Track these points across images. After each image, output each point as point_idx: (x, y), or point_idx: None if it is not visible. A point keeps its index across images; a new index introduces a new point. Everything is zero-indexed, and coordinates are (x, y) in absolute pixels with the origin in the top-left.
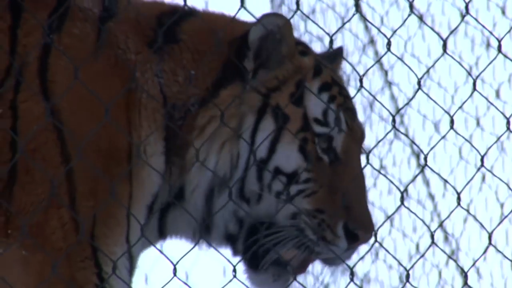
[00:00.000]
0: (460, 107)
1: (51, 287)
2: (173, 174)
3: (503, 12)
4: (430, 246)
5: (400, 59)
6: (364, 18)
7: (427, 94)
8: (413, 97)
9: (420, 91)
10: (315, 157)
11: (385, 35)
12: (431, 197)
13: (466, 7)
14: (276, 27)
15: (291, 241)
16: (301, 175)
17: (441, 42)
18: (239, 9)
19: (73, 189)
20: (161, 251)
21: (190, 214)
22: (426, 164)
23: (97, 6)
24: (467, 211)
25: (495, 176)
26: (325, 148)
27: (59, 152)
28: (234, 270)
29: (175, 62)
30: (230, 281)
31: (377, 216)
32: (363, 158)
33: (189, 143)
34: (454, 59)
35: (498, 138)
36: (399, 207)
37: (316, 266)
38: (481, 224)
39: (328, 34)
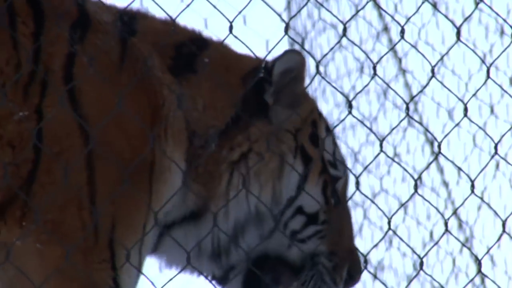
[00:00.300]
0: (474, 95)
1: (68, 283)
2: (188, 197)
3: None
4: (444, 233)
5: (414, 46)
6: (378, 6)
7: (441, 82)
8: (427, 84)
9: (434, 78)
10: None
11: (398, 23)
12: (445, 184)
13: None
14: (296, 64)
15: (310, 284)
16: (320, 216)
17: (455, 30)
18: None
19: (94, 194)
20: (175, 239)
21: (224, 232)
22: (440, 152)
23: (116, 21)
24: (481, 198)
25: (509, 163)
26: (332, 190)
27: (84, 157)
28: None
29: (194, 90)
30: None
31: (391, 204)
32: (377, 147)
33: (216, 174)
34: (468, 46)
35: None
36: (412, 194)
37: None
38: (495, 211)
39: (341, 21)
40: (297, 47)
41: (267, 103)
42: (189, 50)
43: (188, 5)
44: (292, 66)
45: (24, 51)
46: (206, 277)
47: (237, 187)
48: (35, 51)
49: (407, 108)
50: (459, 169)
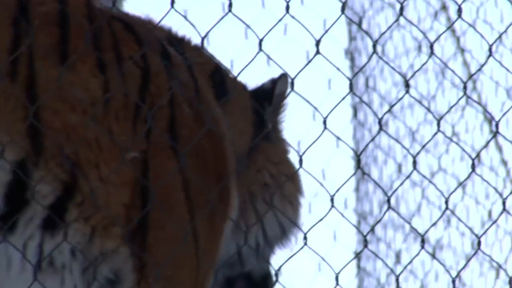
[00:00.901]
0: None
1: None
2: None
3: None
4: (502, 212)
5: (472, 25)
6: None
7: (498, 61)
8: (485, 63)
9: (492, 57)
10: None
11: (456, 2)
12: (504, 163)
13: None
14: (287, 89)
15: None
16: None
17: None
18: None
19: (198, 247)
20: None
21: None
22: (497, 131)
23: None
24: None
25: None
26: None
27: (187, 210)
28: None
29: (232, 117)
30: None
31: (449, 183)
32: (435, 126)
33: (247, 195)
34: None
35: None
36: (470, 173)
37: (389, 233)
38: None
39: (399, 1)
40: (354, 26)
41: (267, 123)
42: (218, 78)
43: None
44: (285, 90)
45: (132, 79)
46: None
47: (273, 208)
48: (143, 79)
49: (465, 87)
50: None
